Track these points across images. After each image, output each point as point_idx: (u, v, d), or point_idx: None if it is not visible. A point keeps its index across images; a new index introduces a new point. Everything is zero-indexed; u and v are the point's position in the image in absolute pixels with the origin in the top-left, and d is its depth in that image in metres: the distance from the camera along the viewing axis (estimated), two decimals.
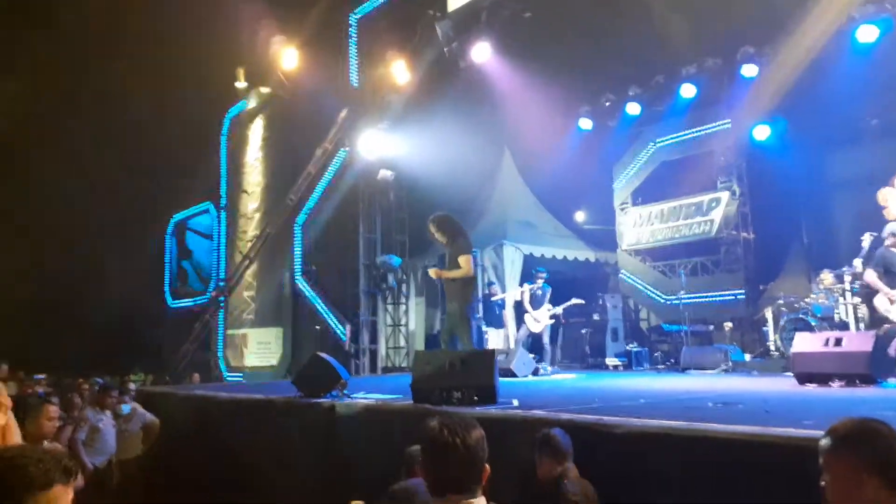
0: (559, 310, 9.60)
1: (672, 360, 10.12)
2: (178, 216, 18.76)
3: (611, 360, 10.55)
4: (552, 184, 12.92)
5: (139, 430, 6.99)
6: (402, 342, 12.93)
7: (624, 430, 3.57)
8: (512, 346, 9.74)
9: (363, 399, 5.50)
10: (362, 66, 13.15)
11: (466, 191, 12.72)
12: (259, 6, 14.31)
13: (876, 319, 7.09)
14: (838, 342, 5.71)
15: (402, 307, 13.07)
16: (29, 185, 16.08)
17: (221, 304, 15.78)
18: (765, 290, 10.75)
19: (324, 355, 6.12)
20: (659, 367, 10.13)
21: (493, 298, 10.52)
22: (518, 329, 10.05)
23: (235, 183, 16.63)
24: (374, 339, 12.83)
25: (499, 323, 10.49)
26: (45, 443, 4.53)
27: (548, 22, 10.37)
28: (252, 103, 16.56)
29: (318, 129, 13.63)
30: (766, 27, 9.71)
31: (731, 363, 8.83)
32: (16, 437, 3.39)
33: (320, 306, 13.34)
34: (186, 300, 17.77)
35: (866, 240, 7.38)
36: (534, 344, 9.47)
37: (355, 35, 13.27)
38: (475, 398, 4.78)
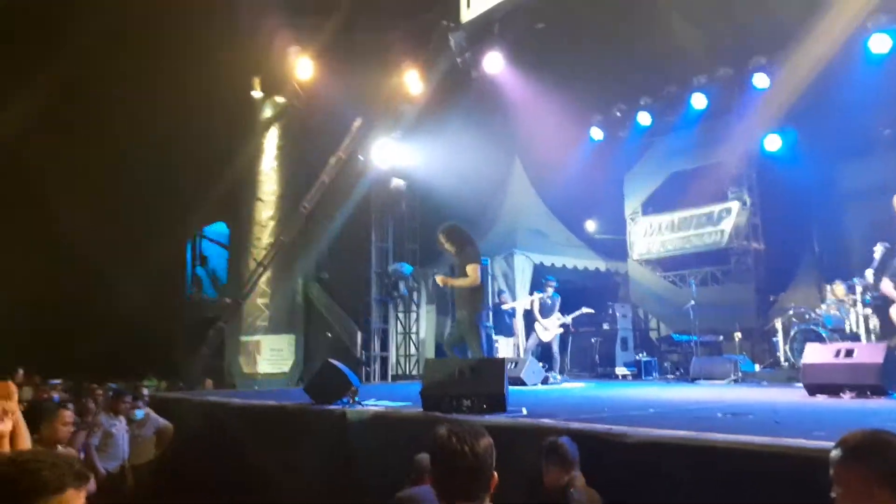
0: (569, 319, 9.61)
1: (681, 370, 10.08)
2: (196, 228, 18.95)
3: (620, 370, 10.53)
4: (563, 193, 12.94)
5: (152, 436, 7.04)
6: (413, 350, 12.98)
7: (634, 439, 3.57)
8: (522, 354, 9.75)
9: (373, 406, 5.54)
10: (376, 77, 13.27)
11: (478, 200, 12.77)
12: (275, 17, 14.49)
13: (888, 331, 7.05)
14: (849, 353, 5.68)
15: (413, 315, 13.13)
16: (46, 194, 16.29)
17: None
18: (775, 301, 10.69)
19: (335, 362, 6.16)
20: (668, 376, 10.09)
21: (503, 307, 10.55)
22: (528, 338, 10.07)
23: (250, 191, 16.80)
24: (384, 347, 12.88)
25: (509, 331, 10.50)
26: (60, 447, 4.58)
27: (560, 32, 10.42)
28: (268, 113, 16.75)
29: (333, 138, 13.75)
30: (777, 37, 9.70)
31: (740, 373, 8.79)
32: (25, 443, 3.42)
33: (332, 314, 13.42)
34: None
35: (878, 250, 7.33)
36: (543, 353, 9.49)
37: (370, 45, 13.39)
38: (484, 406, 4.80)
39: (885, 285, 6.74)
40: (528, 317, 10.25)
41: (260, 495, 5.51)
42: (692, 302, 10.17)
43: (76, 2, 15.37)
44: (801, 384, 6.26)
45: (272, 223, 16.02)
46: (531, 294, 10.44)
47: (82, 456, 6.14)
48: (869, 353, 5.79)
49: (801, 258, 10.95)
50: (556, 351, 9.52)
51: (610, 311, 11.41)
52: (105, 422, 6.71)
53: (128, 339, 15.29)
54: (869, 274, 7.49)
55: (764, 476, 3.01)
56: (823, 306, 8.64)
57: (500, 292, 11.03)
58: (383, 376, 12.66)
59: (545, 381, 8.45)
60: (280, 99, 16.15)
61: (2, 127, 13.50)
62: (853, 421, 3.87)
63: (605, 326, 11.29)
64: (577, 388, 8.38)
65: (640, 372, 10.36)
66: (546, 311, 9.57)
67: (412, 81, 12.16)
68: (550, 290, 9.72)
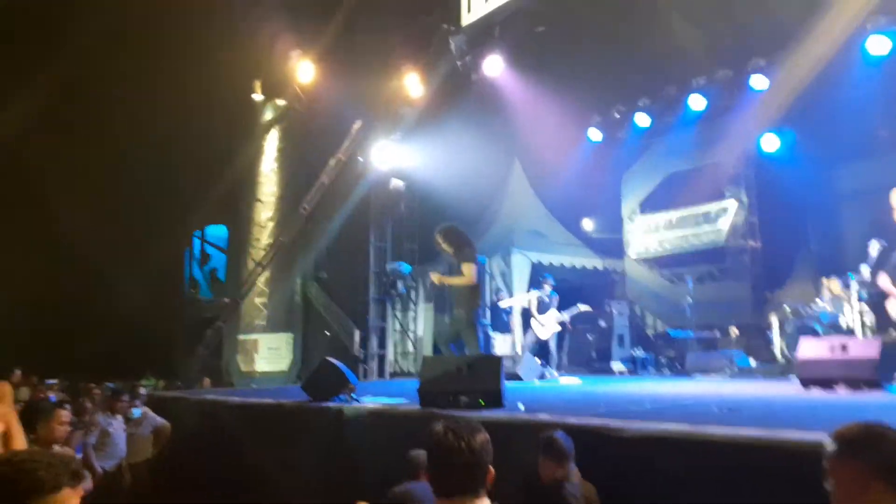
0: (566, 316, 9.63)
1: (678, 366, 10.11)
2: (196, 229, 18.98)
3: (616, 366, 10.55)
4: (562, 194, 12.97)
5: (150, 434, 7.06)
6: (411, 347, 13.04)
7: (630, 433, 3.58)
8: (519, 351, 9.77)
9: (371, 403, 5.55)
10: (377, 79, 13.31)
11: (477, 201, 12.81)
12: (276, 20, 14.53)
13: (883, 326, 7.08)
14: (844, 348, 5.70)
15: (412, 313, 13.18)
16: (45, 194, 16.30)
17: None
18: (771, 297, 10.72)
19: (333, 360, 6.18)
20: (664, 371, 10.11)
21: (500, 304, 10.57)
22: (525, 335, 10.10)
23: (250, 193, 16.84)
24: (382, 345, 12.93)
25: (506, 328, 10.55)
26: (56, 447, 4.58)
27: (559, 35, 10.46)
28: (268, 115, 16.81)
29: (333, 140, 13.81)
30: (776, 39, 9.72)
31: (736, 368, 8.82)
32: (21, 443, 3.40)
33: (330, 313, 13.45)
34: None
35: (873, 247, 7.37)
36: (540, 349, 9.50)
37: (370, 48, 13.44)
38: (482, 402, 4.81)
39: (883, 280, 6.78)
40: (526, 314, 10.27)
41: (257, 493, 5.51)
42: (689, 299, 10.19)
43: (76, 2, 15.40)
44: (795, 377, 6.27)
45: (271, 224, 16.08)
46: (529, 292, 10.46)
47: (80, 455, 6.15)
48: (864, 348, 5.82)
49: (798, 256, 10.97)
50: (554, 348, 9.54)
51: (607, 309, 11.44)
52: (102, 421, 6.74)
53: (127, 339, 15.30)
54: (864, 270, 7.52)
55: (759, 468, 3.02)
56: (819, 302, 8.68)
57: (498, 290, 11.06)
58: (381, 374, 12.70)
59: (542, 377, 8.46)
60: (281, 102, 16.23)
61: (2, 127, 13.52)
62: (848, 414, 3.87)
63: (602, 324, 11.32)
64: (574, 384, 8.39)
65: (636, 368, 10.40)
66: (544, 309, 9.59)
67: (412, 84, 12.20)
68: (548, 288, 9.75)
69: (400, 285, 12.73)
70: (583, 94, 11.66)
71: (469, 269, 6.63)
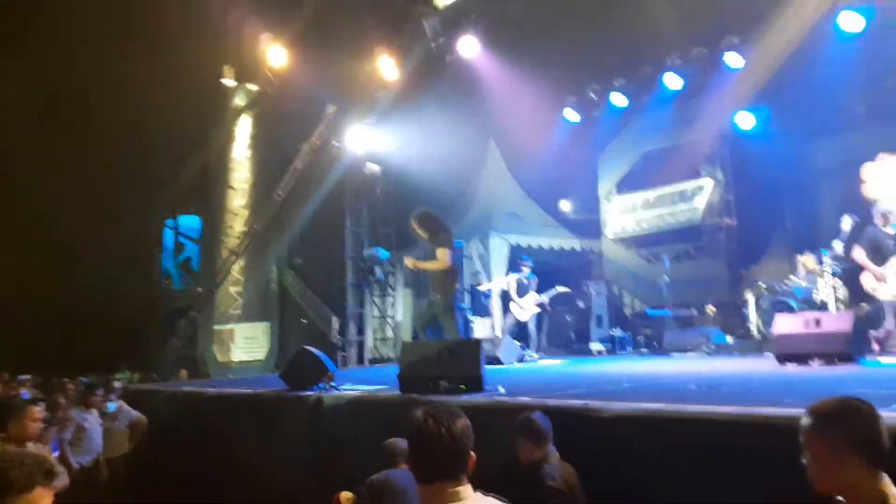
0: (545, 298, 9.64)
1: (655, 345, 10.21)
2: (168, 219, 18.66)
3: (595, 346, 10.62)
4: (539, 175, 12.95)
5: (126, 428, 6.96)
6: (390, 333, 13.00)
7: (609, 413, 3.60)
8: (498, 334, 9.77)
9: (350, 391, 5.51)
10: (350, 62, 13.10)
11: (453, 184, 12.76)
12: (246, 3, 14.21)
13: (855, 299, 7.19)
14: (818, 323, 5.78)
15: (390, 299, 13.13)
16: (15, 186, 15.90)
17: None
18: (747, 274, 10.86)
19: (311, 348, 6.13)
20: (642, 350, 10.21)
21: (479, 288, 10.56)
22: (504, 317, 10.11)
23: (222, 180, 16.57)
24: (361, 331, 12.87)
25: (485, 312, 10.56)
26: (30, 444, 4.48)
27: (534, 14, 10.38)
28: (240, 101, 16.49)
29: (306, 125, 13.62)
30: (749, 16, 9.73)
31: (713, 345, 8.93)
32: None
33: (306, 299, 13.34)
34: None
35: (846, 222, 7.46)
36: (520, 332, 9.52)
37: (343, 31, 13.21)
38: (462, 387, 4.79)
39: (858, 253, 6.89)
40: (505, 297, 10.27)
41: (237, 484, 5.46)
42: (666, 278, 10.27)
43: None
44: (770, 353, 6.34)
45: (245, 212, 15.86)
46: (507, 275, 10.46)
47: (56, 452, 6.04)
48: (837, 321, 5.90)
49: (773, 233, 11.09)
50: (533, 330, 9.57)
51: (585, 290, 11.51)
52: (77, 416, 6.62)
53: (99, 332, 15.05)
54: (837, 245, 7.62)
55: (736, 445, 3.03)
56: (794, 278, 8.79)
57: (477, 273, 11.05)
58: (360, 361, 12.66)
59: (521, 360, 8.47)
60: (252, 87, 15.91)
61: None
62: (823, 388, 3.92)
63: (581, 304, 11.39)
64: (554, 365, 8.42)
65: (614, 347, 10.47)
66: (522, 291, 9.59)
67: (387, 67, 12.04)
68: (526, 271, 9.74)
69: (378, 271, 12.66)
70: (558, 74, 11.62)
71: (443, 254, 6.62)
